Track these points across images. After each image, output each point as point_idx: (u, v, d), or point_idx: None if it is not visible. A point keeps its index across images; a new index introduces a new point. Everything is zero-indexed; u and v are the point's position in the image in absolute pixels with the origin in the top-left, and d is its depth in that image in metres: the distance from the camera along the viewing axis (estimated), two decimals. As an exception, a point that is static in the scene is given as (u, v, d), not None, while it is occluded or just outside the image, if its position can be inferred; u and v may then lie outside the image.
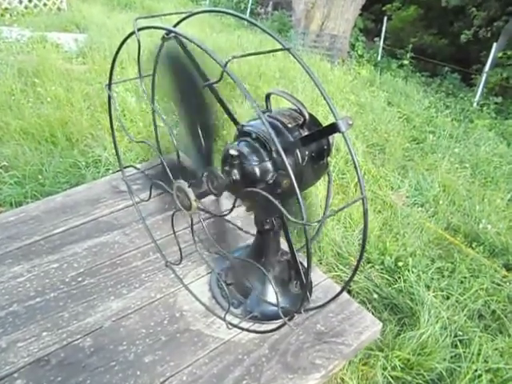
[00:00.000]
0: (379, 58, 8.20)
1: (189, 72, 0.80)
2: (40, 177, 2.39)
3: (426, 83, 7.32)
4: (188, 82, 0.82)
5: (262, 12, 10.26)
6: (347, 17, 7.05)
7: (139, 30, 0.69)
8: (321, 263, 2.17)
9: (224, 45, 5.74)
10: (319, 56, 6.13)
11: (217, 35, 6.52)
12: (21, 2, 6.34)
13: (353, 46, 7.74)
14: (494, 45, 6.89)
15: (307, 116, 0.82)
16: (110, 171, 2.53)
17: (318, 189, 2.55)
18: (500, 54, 7.37)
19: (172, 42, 0.73)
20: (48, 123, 2.88)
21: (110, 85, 0.83)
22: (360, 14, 7.98)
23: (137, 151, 2.77)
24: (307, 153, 0.81)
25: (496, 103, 6.45)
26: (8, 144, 2.65)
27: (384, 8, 11.70)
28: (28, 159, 2.51)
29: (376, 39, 8.72)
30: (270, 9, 10.22)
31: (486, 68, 6.93)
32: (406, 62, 7.76)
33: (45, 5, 6.57)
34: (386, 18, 8.97)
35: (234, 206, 0.73)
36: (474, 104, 6.38)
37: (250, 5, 9.92)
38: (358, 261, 0.67)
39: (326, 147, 0.84)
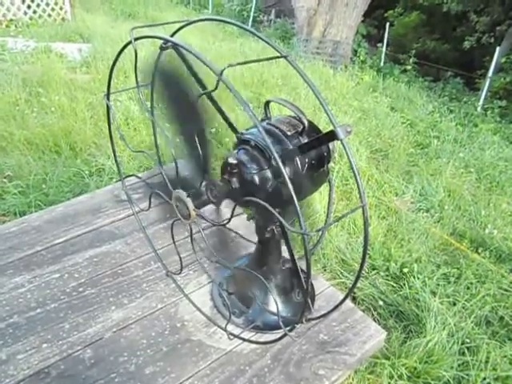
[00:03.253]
0: (382, 64, 8.20)
1: (180, 85, 0.80)
2: (44, 186, 2.40)
3: (429, 88, 7.29)
4: (179, 94, 0.82)
5: (264, 20, 10.31)
6: (349, 23, 7.06)
7: (136, 39, 0.69)
8: (325, 270, 2.15)
9: (227, 53, 5.76)
10: (322, 62, 6.14)
11: (219, 43, 6.55)
12: (26, 13, 6.41)
13: (355, 52, 7.75)
14: (497, 49, 6.86)
15: (306, 123, 0.81)
16: (114, 180, 2.53)
17: (322, 195, 2.54)
18: (503, 59, 7.33)
19: (165, 54, 0.73)
20: (52, 133, 2.89)
21: (108, 95, 0.83)
22: (362, 21, 7.99)
23: (140, 160, 2.77)
24: (307, 160, 0.80)
25: (500, 107, 6.41)
26: (12, 154, 2.66)
27: (386, 14, 11.72)
28: (32, 169, 2.51)
29: (379, 45, 8.73)
30: (272, 16, 10.26)
31: (490, 73, 6.90)
32: (408, 67, 7.74)
33: (49, 15, 6.64)
34: (388, 24, 8.98)
35: (232, 216, 0.73)
36: (478, 108, 6.34)
37: (252, 13, 9.97)
38: (359, 271, 0.66)
39: (326, 154, 0.84)
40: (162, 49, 0.76)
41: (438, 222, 2.73)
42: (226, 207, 1.33)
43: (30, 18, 6.43)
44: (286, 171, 0.76)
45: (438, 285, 2.05)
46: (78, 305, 1.06)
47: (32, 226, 1.30)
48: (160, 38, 0.69)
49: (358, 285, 2.01)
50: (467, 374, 1.62)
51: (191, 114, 0.82)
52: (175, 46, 0.76)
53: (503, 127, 5.50)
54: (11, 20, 6.16)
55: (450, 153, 3.82)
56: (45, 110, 3.31)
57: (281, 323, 0.81)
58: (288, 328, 0.80)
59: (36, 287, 1.09)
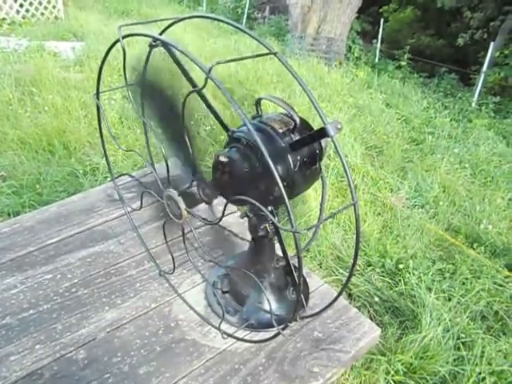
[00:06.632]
0: (376, 60, 8.20)
1: (160, 85, 0.79)
2: (38, 186, 2.38)
3: (423, 84, 7.30)
4: (161, 95, 0.81)
5: (258, 17, 10.28)
6: (344, 20, 7.05)
7: (124, 37, 0.68)
8: (321, 267, 2.15)
9: (221, 50, 5.74)
10: (316, 59, 6.13)
11: (214, 41, 6.52)
12: (18, 12, 6.36)
13: (350, 49, 7.74)
14: (492, 44, 6.87)
15: (298, 120, 0.80)
16: (108, 179, 2.52)
17: (317, 192, 2.53)
18: (497, 54, 7.35)
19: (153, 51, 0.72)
20: (45, 132, 2.87)
21: (97, 94, 0.82)
22: (357, 17, 7.98)
23: (134, 158, 2.76)
24: (299, 158, 0.80)
25: (495, 102, 6.43)
26: (5, 154, 2.64)
27: (381, 10, 11.72)
28: (25, 169, 2.50)
29: (374, 41, 8.73)
30: (266, 13, 10.24)
31: (484, 68, 6.92)
32: (403, 63, 7.74)
33: (42, 14, 6.59)
34: (382, 20, 8.97)
35: (223, 214, 0.72)
36: (473, 104, 6.36)
37: (246, 10, 9.94)
38: (351, 270, 0.66)
39: (318, 152, 0.83)
40: (151, 46, 0.76)
41: (433, 217, 2.73)
42: (220, 204, 1.33)
43: (23, 17, 6.39)
44: (277, 169, 0.76)
45: (434, 280, 2.06)
46: (71, 305, 1.05)
47: (24, 227, 1.28)
48: (148, 36, 0.68)
49: (354, 281, 2.01)
50: (462, 369, 1.63)
51: (174, 113, 0.80)
52: (164, 44, 0.75)
53: (497, 122, 5.51)
54: (3, 19, 6.11)
55: (444, 148, 3.82)
56: (38, 109, 3.29)
57: (274, 322, 0.81)
58: (281, 326, 0.79)
59: (28, 288, 1.09)
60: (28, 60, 4.29)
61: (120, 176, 1.25)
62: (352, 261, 0.65)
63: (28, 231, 1.27)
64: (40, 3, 6.53)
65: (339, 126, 0.60)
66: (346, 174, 0.58)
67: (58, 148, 2.78)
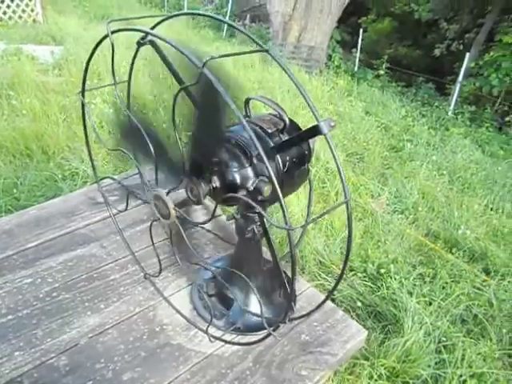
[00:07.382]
0: (356, 69, 8.33)
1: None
2: (15, 191, 2.32)
3: (401, 93, 7.45)
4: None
5: (240, 24, 10.34)
6: (324, 29, 7.16)
7: (113, 32, 0.67)
8: (303, 272, 2.15)
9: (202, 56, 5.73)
10: (297, 67, 6.19)
11: (194, 47, 6.51)
12: (-5, 15, 6.24)
13: (330, 57, 7.85)
14: (467, 55, 7.08)
15: (287, 121, 0.80)
16: (88, 183, 2.48)
17: (299, 198, 2.54)
18: (472, 64, 7.58)
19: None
20: (23, 136, 2.81)
21: (83, 92, 0.81)
22: (337, 27, 8.11)
23: (115, 163, 2.72)
24: (288, 158, 0.80)
25: (470, 112, 6.62)
26: (-20, 157, 2.57)
27: (360, 21, 11.95)
28: (1, 172, 2.44)
29: (353, 50, 8.87)
30: (247, 22, 10.30)
31: (460, 78, 7.11)
32: (382, 72, 7.89)
33: (20, 17, 6.47)
34: (361, 31, 9.14)
35: (213, 215, 0.71)
36: (449, 113, 6.52)
37: (228, 17, 9.99)
38: (344, 265, 0.65)
39: (306, 152, 0.83)
40: (139, 44, 0.75)
41: (413, 223, 2.77)
42: (204, 209, 1.32)
43: (0, 19, 6.26)
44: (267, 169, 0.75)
45: (415, 285, 2.08)
46: (52, 310, 1.02)
47: (2, 230, 1.24)
48: (139, 31, 0.67)
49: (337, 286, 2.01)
50: (444, 372, 1.65)
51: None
52: (152, 42, 0.74)
53: (473, 131, 5.67)
54: (-21, 21, 5.98)
55: (423, 156, 3.89)
56: (15, 112, 3.21)
57: (265, 323, 0.80)
58: (272, 328, 0.78)
59: (7, 293, 1.05)
60: (5, 63, 4.20)
61: (103, 178, 1.23)
62: (345, 256, 0.64)
63: (6, 235, 1.23)
64: (18, 6, 6.41)
65: (332, 124, 0.60)
66: (339, 171, 0.58)
67: (36, 152, 2.72)
